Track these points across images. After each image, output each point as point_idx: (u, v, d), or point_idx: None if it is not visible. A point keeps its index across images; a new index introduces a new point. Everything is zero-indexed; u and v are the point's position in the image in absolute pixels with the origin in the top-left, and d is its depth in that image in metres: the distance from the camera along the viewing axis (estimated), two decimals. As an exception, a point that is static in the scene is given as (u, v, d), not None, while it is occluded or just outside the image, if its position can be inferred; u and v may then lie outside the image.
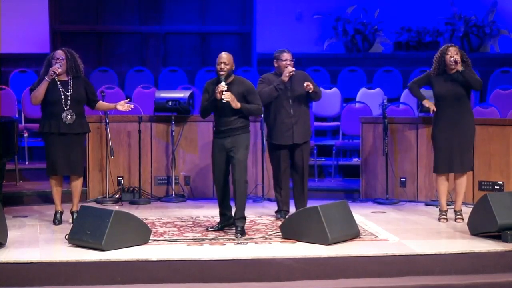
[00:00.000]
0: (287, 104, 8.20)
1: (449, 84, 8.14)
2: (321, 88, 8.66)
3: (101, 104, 8.23)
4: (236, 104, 7.47)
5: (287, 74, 8.10)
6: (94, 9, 13.34)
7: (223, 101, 7.42)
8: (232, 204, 7.72)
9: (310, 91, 8.11)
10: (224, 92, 7.42)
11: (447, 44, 8.36)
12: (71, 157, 7.98)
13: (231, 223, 7.72)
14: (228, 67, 7.52)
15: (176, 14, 13.45)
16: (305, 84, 8.09)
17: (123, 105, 8.13)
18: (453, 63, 8.08)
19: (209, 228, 7.72)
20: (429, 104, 8.31)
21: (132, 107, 8.23)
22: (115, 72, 12.61)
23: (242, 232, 7.45)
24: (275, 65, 8.31)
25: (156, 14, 13.43)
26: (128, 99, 8.29)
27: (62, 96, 7.90)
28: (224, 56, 7.53)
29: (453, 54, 8.12)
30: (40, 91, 7.88)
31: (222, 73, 7.48)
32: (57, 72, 7.84)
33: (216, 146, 7.65)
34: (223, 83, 7.44)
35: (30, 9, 12.50)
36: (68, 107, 7.91)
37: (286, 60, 8.21)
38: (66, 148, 7.96)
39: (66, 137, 7.95)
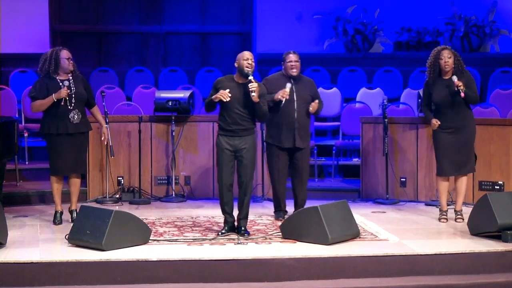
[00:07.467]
0: (291, 108, 8.20)
1: (446, 91, 8.08)
2: (321, 88, 8.68)
3: (95, 112, 8.27)
4: (256, 98, 7.42)
5: (280, 96, 8.12)
6: (94, 9, 13.33)
7: (252, 94, 7.35)
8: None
9: (313, 113, 8.32)
10: (252, 80, 7.39)
11: (438, 47, 8.30)
12: (79, 156, 8.06)
13: (235, 225, 7.63)
14: (253, 64, 7.53)
15: (176, 14, 13.45)
16: (310, 108, 8.23)
17: (104, 133, 8.27)
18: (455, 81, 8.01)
19: (219, 233, 7.48)
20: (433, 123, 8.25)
21: (105, 142, 8.45)
22: (115, 72, 12.61)
23: (247, 232, 7.46)
24: (282, 66, 8.37)
25: (156, 14, 13.42)
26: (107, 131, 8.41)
27: (67, 96, 7.91)
28: (250, 54, 7.51)
29: (446, 58, 8.07)
30: (44, 105, 7.90)
31: (250, 69, 7.44)
32: (66, 97, 7.87)
33: (223, 144, 7.47)
34: (251, 77, 7.41)
35: (30, 9, 12.50)
36: (73, 106, 7.94)
37: (290, 61, 8.26)
38: (74, 147, 8.01)
39: (73, 137, 7.99)
